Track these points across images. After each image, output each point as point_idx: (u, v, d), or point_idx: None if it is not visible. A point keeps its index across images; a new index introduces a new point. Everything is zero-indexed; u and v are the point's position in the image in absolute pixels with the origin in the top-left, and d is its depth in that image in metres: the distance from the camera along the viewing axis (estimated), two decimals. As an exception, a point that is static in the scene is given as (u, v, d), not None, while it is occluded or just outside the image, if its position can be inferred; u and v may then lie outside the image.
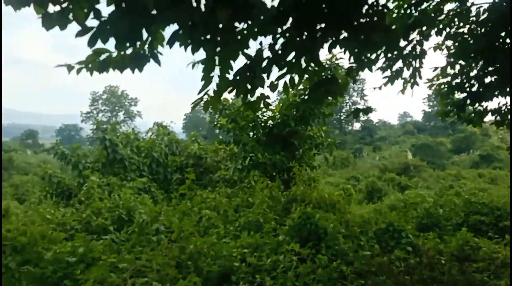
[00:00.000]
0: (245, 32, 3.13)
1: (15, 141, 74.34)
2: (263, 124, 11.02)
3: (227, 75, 3.41)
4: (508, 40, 5.86)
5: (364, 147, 61.83)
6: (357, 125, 78.14)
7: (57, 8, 2.71)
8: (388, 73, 6.19)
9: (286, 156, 10.70)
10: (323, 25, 3.39)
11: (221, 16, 2.79)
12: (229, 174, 11.47)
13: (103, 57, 3.24)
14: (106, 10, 2.84)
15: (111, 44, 2.99)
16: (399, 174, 32.57)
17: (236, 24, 3.08)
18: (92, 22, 2.83)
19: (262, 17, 3.01)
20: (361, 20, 3.48)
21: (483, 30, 5.95)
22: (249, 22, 3.08)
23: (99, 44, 2.94)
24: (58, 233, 5.61)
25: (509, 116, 6.79)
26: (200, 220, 6.94)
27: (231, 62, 3.35)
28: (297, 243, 5.29)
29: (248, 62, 3.43)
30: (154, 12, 2.80)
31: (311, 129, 11.10)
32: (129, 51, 3.20)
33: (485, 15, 5.87)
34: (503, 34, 5.86)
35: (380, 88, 6.62)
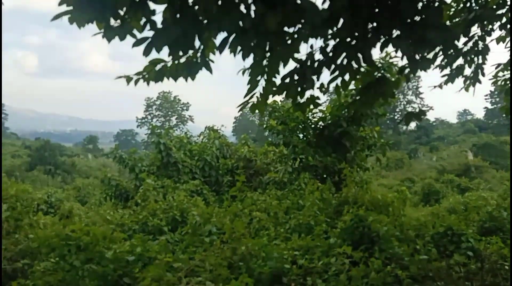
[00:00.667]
0: (296, 36, 3.13)
1: (78, 147, 79.12)
2: (313, 126, 10.91)
3: (273, 79, 3.43)
4: None
5: (420, 147, 59.52)
6: (412, 125, 75.22)
7: (118, 21, 2.87)
8: (447, 71, 5.89)
9: (337, 157, 10.53)
10: (375, 24, 3.31)
11: (271, 21, 2.81)
12: (279, 176, 11.48)
13: (158, 67, 3.39)
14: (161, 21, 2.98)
15: (164, 54, 3.13)
16: (459, 175, 30.98)
17: (287, 28, 3.08)
18: (146, 32, 2.98)
19: (313, 21, 2.99)
20: (416, 18, 3.35)
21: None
22: (300, 26, 3.08)
23: (154, 54, 3.09)
24: (118, 233, 5.90)
25: None
26: (251, 221, 7.02)
27: (281, 66, 3.36)
28: (349, 246, 5.18)
29: (298, 66, 3.42)
30: (205, 20, 2.89)
31: (363, 129, 10.84)
32: (182, 60, 3.32)
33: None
34: None
35: (441, 86, 6.32)
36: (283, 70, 3.43)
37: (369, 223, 5.71)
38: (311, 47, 3.31)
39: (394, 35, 3.40)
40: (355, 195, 7.60)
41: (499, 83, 6.81)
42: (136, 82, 3.47)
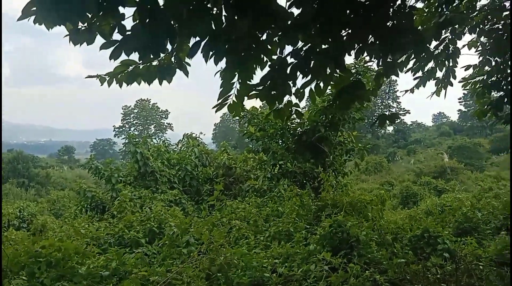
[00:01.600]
0: (266, 40, 3.10)
1: (53, 158, 76.88)
2: (292, 132, 10.91)
3: (248, 82, 3.38)
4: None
5: (398, 150, 60.54)
6: (390, 128, 76.45)
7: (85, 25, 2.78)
8: (419, 74, 5.99)
9: (316, 163, 10.54)
10: (347, 30, 3.31)
11: (241, 25, 2.78)
12: (258, 184, 11.41)
13: (130, 68, 3.31)
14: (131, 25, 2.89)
15: (137, 57, 3.04)
16: (436, 177, 31.63)
17: (258, 32, 3.05)
18: (116, 36, 2.90)
19: (283, 25, 2.97)
20: (387, 24, 3.37)
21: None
22: (270, 31, 3.05)
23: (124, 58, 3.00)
24: (92, 248, 5.71)
25: None
26: (230, 230, 6.92)
27: (258, 69, 3.32)
28: (328, 252, 5.16)
29: (271, 69, 3.38)
30: (176, 25, 2.82)
31: (341, 134, 10.90)
32: (155, 63, 3.25)
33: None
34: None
35: (412, 91, 6.42)
36: (261, 73, 3.40)
37: (348, 228, 5.70)
38: (281, 51, 3.27)
39: (368, 42, 3.41)
40: (333, 198, 7.61)
41: (469, 86, 6.95)
42: (110, 82, 3.38)
